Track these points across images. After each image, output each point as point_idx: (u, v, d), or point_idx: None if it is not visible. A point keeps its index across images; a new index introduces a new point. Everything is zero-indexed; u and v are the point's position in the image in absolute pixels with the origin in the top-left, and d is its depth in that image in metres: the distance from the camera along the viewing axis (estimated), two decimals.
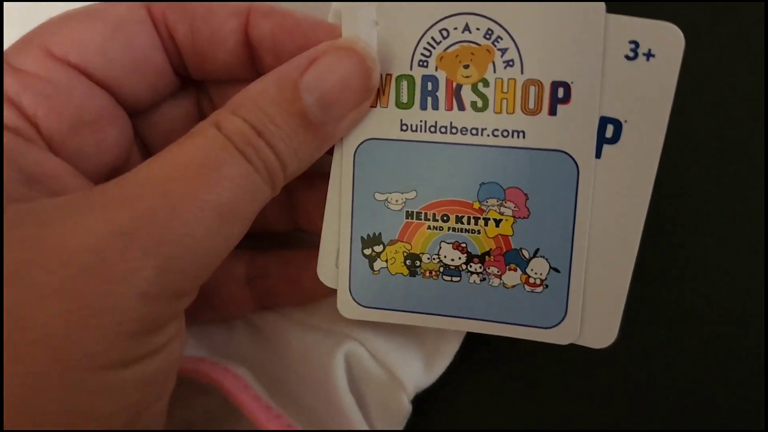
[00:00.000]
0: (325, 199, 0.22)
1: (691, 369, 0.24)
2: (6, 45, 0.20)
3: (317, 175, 0.21)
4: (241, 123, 0.18)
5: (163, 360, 0.17)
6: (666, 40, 0.18)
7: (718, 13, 0.23)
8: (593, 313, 0.20)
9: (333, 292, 0.22)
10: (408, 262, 0.20)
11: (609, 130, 0.19)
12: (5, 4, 0.25)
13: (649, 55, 0.18)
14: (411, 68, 0.19)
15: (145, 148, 0.23)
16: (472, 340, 0.24)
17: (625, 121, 0.18)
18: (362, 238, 0.21)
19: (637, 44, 0.18)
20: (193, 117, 0.23)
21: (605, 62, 0.18)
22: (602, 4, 0.18)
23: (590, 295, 0.19)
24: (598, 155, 0.19)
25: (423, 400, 0.24)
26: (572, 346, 0.20)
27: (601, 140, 0.19)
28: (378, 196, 0.20)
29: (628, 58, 0.18)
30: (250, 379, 0.23)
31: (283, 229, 0.25)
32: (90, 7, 0.20)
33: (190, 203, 0.16)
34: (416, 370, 0.23)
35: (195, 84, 0.23)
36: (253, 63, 0.21)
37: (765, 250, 0.23)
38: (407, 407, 0.23)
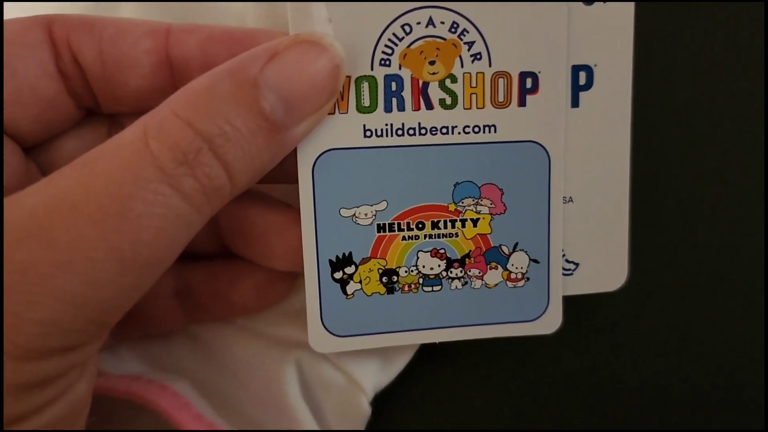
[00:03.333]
0: (251, 217, 0.22)
1: (689, 369, 0.26)
2: None
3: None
4: (185, 130, 0.16)
5: (61, 408, 0.17)
6: None
7: (718, 13, 0.25)
8: (600, 257, 0.22)
9: (265, 306, 0.23)
10: (384, 279, 0.21)
11: (582, 77, 0.21)
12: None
13: None
14: (372, 68, 0.19)
15: None
16: None
17: (595, 65, 0.21)
18: (330, 261, 0.20)
19: None
20: None
21: (569, 12, 0.20)
22: None
23: (594, 240, 0.22)
24: (576, 104, 0.21)
25: (383, 401, 0.25)
26: (544, 340, 0.22)
27: (576, 88, 0.21)
28: (344, 212, 0.20)
29: (586, 2, 0.20)
30: (191, 396, 0.23)
31: (210, 252, 0.24)
32: None
33: (81, 253, 0.15)
34: (373, 370, 0.24)
35: (108, 116, 0.21)
36: (174, 88, 0.19)
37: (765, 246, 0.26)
38: (367, 410, 0.24)
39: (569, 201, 0.21)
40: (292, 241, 0.21)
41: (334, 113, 0.19)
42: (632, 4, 0.20)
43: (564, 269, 0.22)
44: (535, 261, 0.21)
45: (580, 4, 0.20)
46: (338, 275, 0.20)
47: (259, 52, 0.17)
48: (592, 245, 0.22)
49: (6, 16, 0.24)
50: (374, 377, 0.24)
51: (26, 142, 0.20)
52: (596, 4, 0.20)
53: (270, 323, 0.24)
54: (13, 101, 0.19)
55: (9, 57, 0.18)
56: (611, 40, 0.20)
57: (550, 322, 0.22)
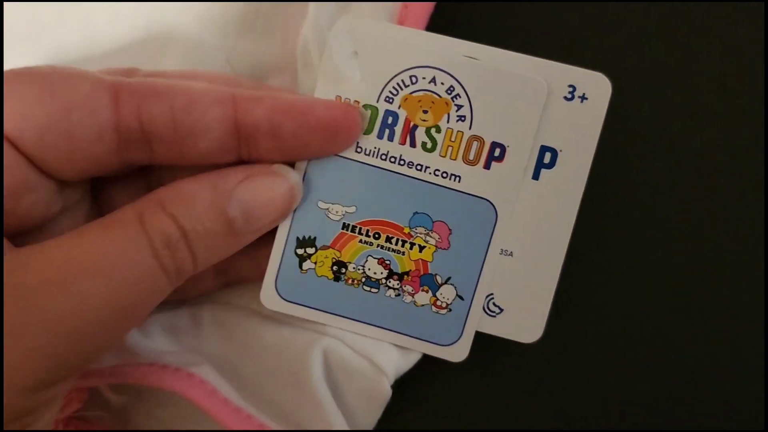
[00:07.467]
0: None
1: (689, 369, 0.30)
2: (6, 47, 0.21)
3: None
4: (170, 222, 0.23)
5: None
6: (597, 86, 0.26)
7: (718, 13, 0.29)
8: (523, 310, 0.28)
9: None
10: (335, 267, 0.27)
11: (547, 157, 0.27)
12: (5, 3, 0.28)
13: (583, 98, 0.26)
14: (377, 101, 0.26)
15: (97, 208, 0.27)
16: None
17: (561, 150, 0.27)
18: (298, 238, 0.27)
19: (574, 88, 0.26)
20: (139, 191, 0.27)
21: (549, 100, 0.26)
22: (544, 84, 0.26)
23: (521, 293, 0.27)
24: (536, 177, 0.27)
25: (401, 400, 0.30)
26: (550, 347, 0.28)
27: (540, 165, 0.27)
28: (321, 204, 0.27)
29: (566, 98, 0.26)
30: (216, 381, 0.28)
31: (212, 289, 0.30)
32: (53, 75, 0.23)
33: (88, 301, 0.21)
34: (393, 356, 0.29)
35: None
36: (238, 149, 0.25)
37: (765, 250, 0.29)
38: (388, 391, 0.29)
39: (509, 254, 0.27)
40: None
41: None
42: (605, 106, 0.26)
43: (489, 311, 0.28)
44: (461, 297, 0.27)
45: (561, 97, 0.26)
46: (300, 251, 0.27)
47: (238, 172, 0.24)
48: (518, 297, 0.28)
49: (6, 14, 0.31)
50: (395, 362, 0.29)
51: (67, 183, 0.24)
52: (575, 100, 0.26)
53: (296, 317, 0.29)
54: (67, 158, 0.23)
55: (71, 119, 0.22)
56: (579, 133, 0.26)
57: (459, 352, 0.28)
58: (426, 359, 0.29)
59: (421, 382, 0.31)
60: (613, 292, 0.31)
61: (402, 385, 0.29)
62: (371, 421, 0.29)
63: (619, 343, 0.31)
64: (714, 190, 0.30)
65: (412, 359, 0.29)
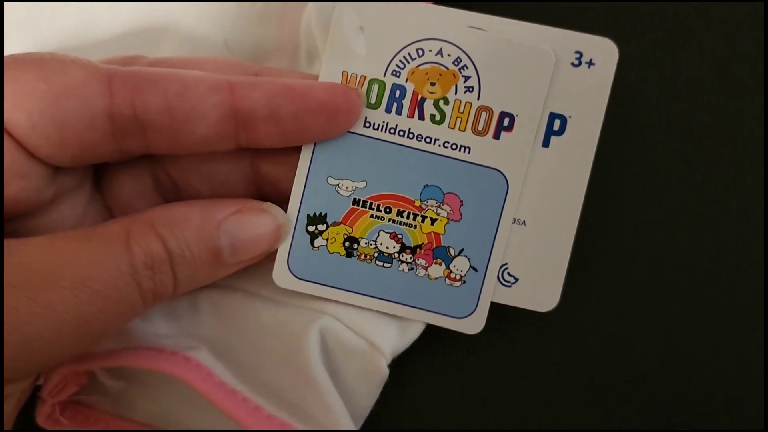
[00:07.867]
0: None
1: (689, 368, 0.30)
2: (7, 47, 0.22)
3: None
4: (158, 244, 0.23)
5: None
6: (604, 51, 0.26)
7: (718, 13, 0.30)
8: (538, 278, 0.28)
9: None
10: (347, 243, 0.28)
11: (556, 124, 0.27)
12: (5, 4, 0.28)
13: (590, 63, 0.26)
14: (384, 75, 0.26)
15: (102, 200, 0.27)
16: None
17: (570, 117, 0.27)
18: (309, 215, 0.27)
19: (581, 54, 0.26)
20: (145, 186, 0.28)
21: (556, 67, 0.26)
22: (552, 53, 0.26)
23: (535, 262, 0.28)
24: (546, 144, 0.27)
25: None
26: (550, 335, 0.30)
27: (549, 132, 0.27)
28: (330, 180, 0.27)
29: (573, 65, 0.26)
30: (213, 365, 0.28)
31: None
32: (50, 61, 0.23)
33: (52, 311, 0.21)
34: (391, 336, 0.29)
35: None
36: (236, 136, 0.25)
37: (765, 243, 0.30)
38: (386, 371, 0.29)
39: (522, 223, 0.28)
40: None
41: None
42: (612, 70, 0.26)
43: (504, 281, 0.28)
44: (474, 269, 0.28)
45: (568, 63, 0.26)
46: (311, 228, 0.27)
47: (229, 204, 0.25)
48: (533, 266, 0.28)
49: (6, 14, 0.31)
50: (392, 342, 0.29)
51: (59, 167, 0.24)
52: (582, 66, 0.26)
53: (294, 297, 0.29)
54: (58, 145, 0.23)
55: (62, 106, 0.22)
56: (588, 99, 0.26)
57: (474, 324, 0.28)
58: (424, 338, 0.29)
59: (420, 361, 0.32)
60: (612, 267, 0.31)
61: (399, 364, 0.30)
62: (369, 402, 0.29)
63: (618, 339, 0.31)
64: (715, 171, 0.31)
65: (410, 338, 0.30)
